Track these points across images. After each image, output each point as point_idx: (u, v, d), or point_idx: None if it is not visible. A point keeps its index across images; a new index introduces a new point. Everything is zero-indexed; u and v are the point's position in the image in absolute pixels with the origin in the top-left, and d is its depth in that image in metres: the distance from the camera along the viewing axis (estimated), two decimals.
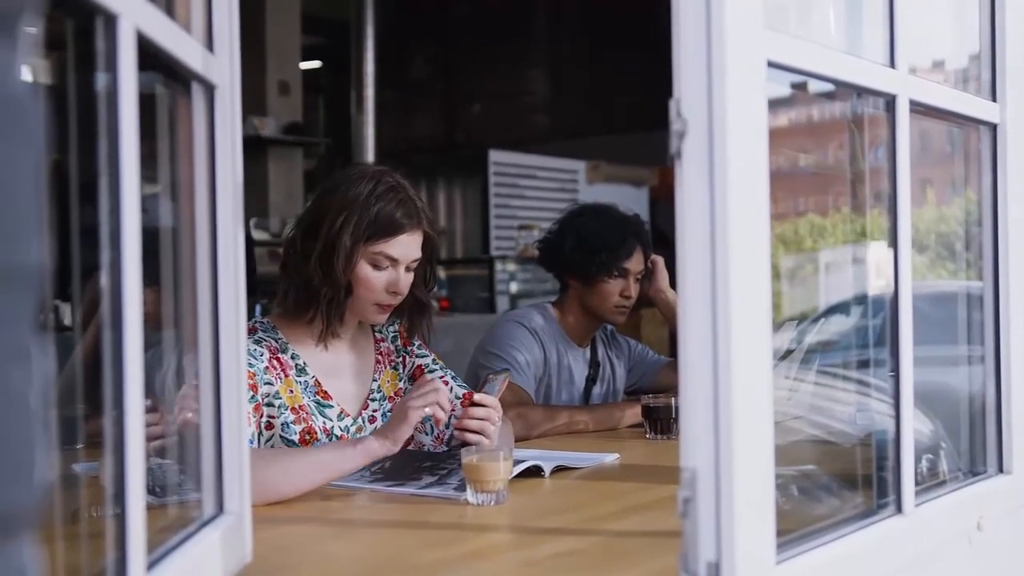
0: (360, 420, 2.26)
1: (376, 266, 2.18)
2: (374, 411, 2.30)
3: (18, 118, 0.55)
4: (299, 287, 2.19)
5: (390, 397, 2.33)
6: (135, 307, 1.00)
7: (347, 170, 2.27)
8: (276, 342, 2.20)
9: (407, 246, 2.20)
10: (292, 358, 2.20)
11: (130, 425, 1.00)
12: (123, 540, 1.00)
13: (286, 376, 2.17)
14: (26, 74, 0.58)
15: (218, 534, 1.29)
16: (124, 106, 1.00)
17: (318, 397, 2.20)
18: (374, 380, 2.32)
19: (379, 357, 2.36)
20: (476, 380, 2.89)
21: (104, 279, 0.99)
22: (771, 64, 1.23)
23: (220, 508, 1.35)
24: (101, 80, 1.00)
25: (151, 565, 1.08)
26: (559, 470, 2.14)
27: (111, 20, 0.98)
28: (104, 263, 0.99)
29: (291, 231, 2.26)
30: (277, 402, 2.13)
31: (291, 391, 2.16)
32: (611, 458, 2.32)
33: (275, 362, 2.16)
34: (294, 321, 2.23)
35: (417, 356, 2.41)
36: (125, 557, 1.00)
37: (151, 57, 1.10)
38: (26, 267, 0.57)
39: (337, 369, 2.27)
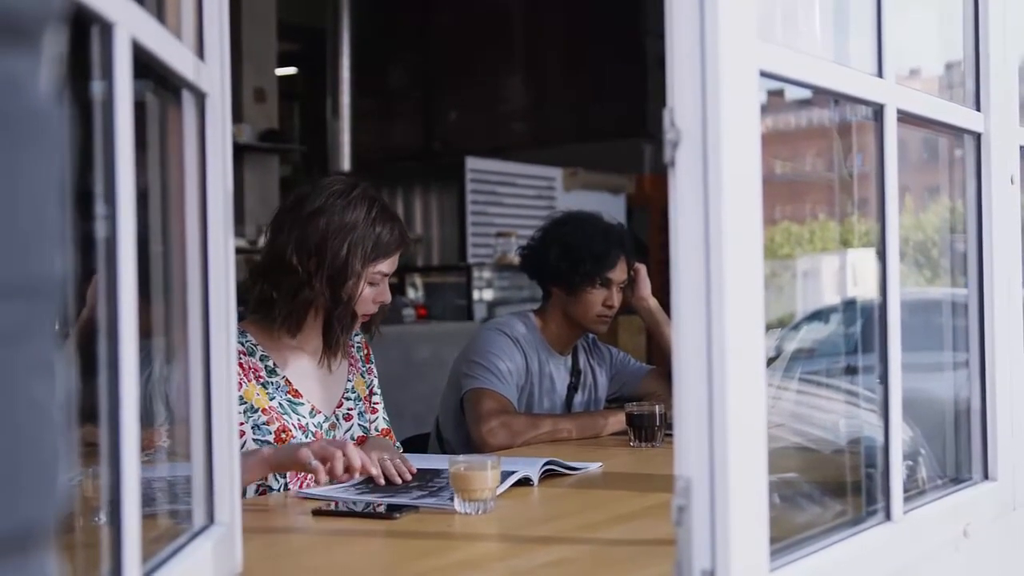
0: (334, 417, 2.34)
1: (372, 283, 2.28)
2: (349, 409, 2.38)
3: (42, 129, 0.55)
4: (300, 308, 2.24)
5: (364, 398, 2.43)
6: (130, 315, 1.00)
7: (327, 187, 2.28)
8: (242, 345, 2.23)
9: (396, 261, 2.33)
10: (261, 360, 2.25)
11: (125, 435, 0.99)
12: (118, 550, 0.99)
13: (249, 380, 2.21)
14: (49, 85, 0.57)
15: (209, 545, 1.28)
16: (120, 114, 0.99)
17: (289, 396, 2.26)
18: (348, 380, 2.40)
19: (351, 360, 2.44)
20: (458, 389, 2.89)
21: (100, 287, 0.99)
22: (763, 73, 1.23)
23: (211, 519, 1.34)
24: (96, 88, 0.99)
25: None
26: (547, 476, 2.15)
27: (107, 28, 0.97)
28: (100, 271, 0.98)
29: (276, 245, 2.26)
30: (243, 406, 2.17)
31: (258, 394, 2.21)
32: (595, 467, 2.33)
33: (239, 367, 2.18)
34: (270, 327, 2.28)
35: (374, 376, 2.50)
36: (120, 567, 0.99)
37: (142, 65, 1.09)
38: (50, 278, 0.56)
39: (310, 370, 2.33)
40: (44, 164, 0.55)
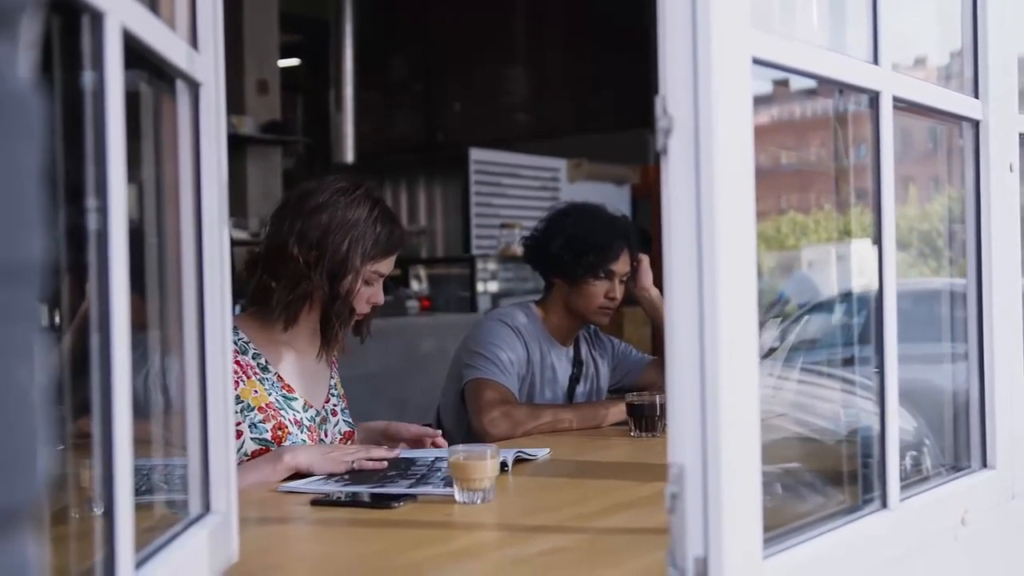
0: (324, 411, 2.37)
1: (368, 283, 2.30)
2: (334, 405, 2.42)
3: (20, 115, 0.55)
4: (298, 300, 2.25)
5: (343, 395, 2.47)
6: (122, 307, 1.00)
7: (331, 184, 2.31)
8: (235, 344, 2.23)
9: (392, 263, 2.35)
10: (253, 358, 2.27)
11: (117, 425, 0.99)
12: (111, 539, 0.99)
13: (248, 377, 2.23)
14: (27, 70, 0.58)
15: (205, 533, 1.29)
16: (111, 106, 0.99)
17: (283, 391, 2.28)
18: (332, 377, 2.44)
19: (333, 359, 2.46)
20: (459, 379, 2.89)
21: (91, 280, 0.99)
22: (756, 61, 1.23)
23: (207, 507, 1.34)
24: (87, 78, 0.99)
25: (139, 564, 1.07)
26: (519, 462, 2.19)
27: (97, 18, 0.97)
28: (91, 263, 0.98)
29: (277, 237, 2.27)
30: (239, 406, 2.18)
31: (255, 391, 2.23)
32: (544, 452, 2.35)
33: (235, 365, 2.19)
34: (263, 322, 2.29)
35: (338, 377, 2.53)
36: (113, 556, 0.99)
37: (135, 55, 1.09)
38: (30, 263, 0.57)
39: (298, 366, 2.35)
40: (22, 149, 0.56)
